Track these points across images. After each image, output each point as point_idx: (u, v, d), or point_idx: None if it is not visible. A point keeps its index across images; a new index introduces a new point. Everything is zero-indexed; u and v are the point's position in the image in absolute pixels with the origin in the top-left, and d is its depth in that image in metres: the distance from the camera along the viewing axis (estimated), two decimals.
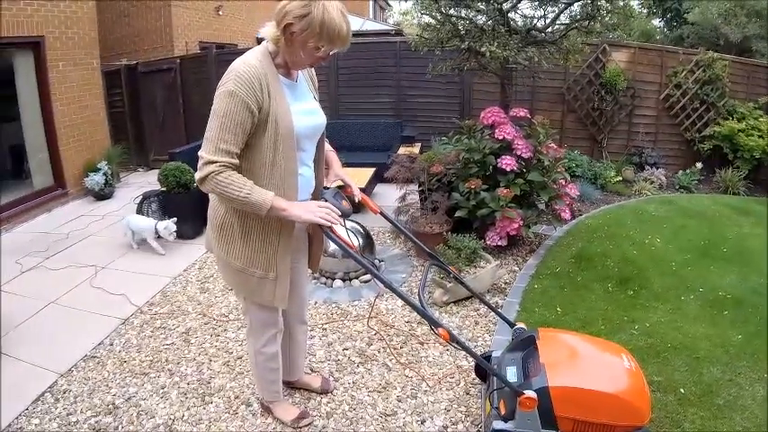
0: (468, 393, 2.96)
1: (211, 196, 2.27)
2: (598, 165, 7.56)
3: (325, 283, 4.37)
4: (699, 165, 7.82)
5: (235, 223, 2.19)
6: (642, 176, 7.51)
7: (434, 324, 2.17)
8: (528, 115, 4.84)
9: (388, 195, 5.87)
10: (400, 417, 2.79)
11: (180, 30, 11.01)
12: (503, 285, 4.27)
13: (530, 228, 4.63)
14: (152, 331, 3.74)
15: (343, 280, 4.38)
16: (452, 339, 2.16)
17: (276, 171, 2.07)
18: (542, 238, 5.15)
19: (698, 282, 4.20)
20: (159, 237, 5.15)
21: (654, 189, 7.24)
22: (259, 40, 12.38)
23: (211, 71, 8.71)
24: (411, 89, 8.28)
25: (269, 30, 1.98)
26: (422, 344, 3.45)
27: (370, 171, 6.36)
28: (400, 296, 2.20)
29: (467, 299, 3.96)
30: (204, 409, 2.90)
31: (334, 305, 4.01)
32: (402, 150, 6.86)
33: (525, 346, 2.53)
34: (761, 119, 7.52)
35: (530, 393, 2.16)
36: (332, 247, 4.02)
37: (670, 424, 2.65)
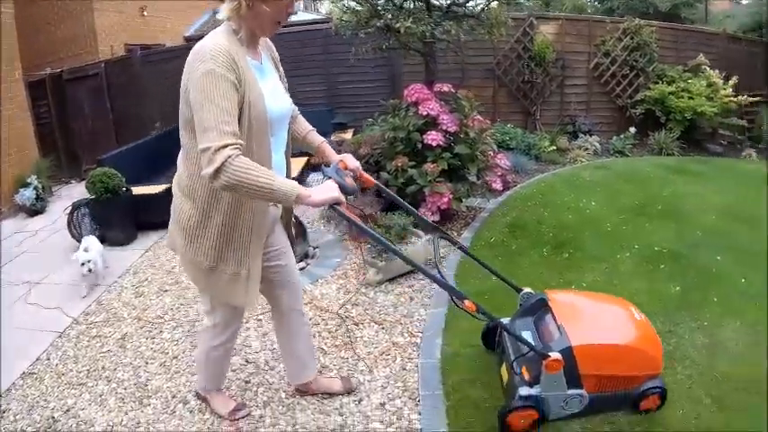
0: (404, 369, 3.00)
1: (176, 191, 2.15)
2: (531, 136, 7.66)
3: None
4: (632, 129, 8.07)
5: (203, 220, 2.07)
6: (576, 144, 7.67)
7: (459, 296, 2.15)
8: (452, 89, 4.87)
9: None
10: (337, 398, 2.80)
11: (104, 33, 10.76)
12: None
13: (461, 201, 4.70)
14: (88, 341, 3.67)
15: None
16: (479, 311, 2.16)
17: (253, 158, 1.84)
18: (477, 212, 5.22)
19: (633, 240, 4.32)
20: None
21: (589, 156, 7.42)
22: (187, 39, 12.17)
23: (139, 72, 8.48)
24: (341, 75, 8.26)
25: (226, 5, 1.88)
26: (357, 324, 3.47)
27: (302, 160, 6.32)
28: (421, 270, 2.25)
29: (401, 276, 3.99)
30: (142, 411, 2.87)
31: None
32: (334, 138, 6.84)
33: (535, 309, 2.56)
34: (690, 80, 7.79)
35: (555, 355, 2.19)
36: None
37: None
